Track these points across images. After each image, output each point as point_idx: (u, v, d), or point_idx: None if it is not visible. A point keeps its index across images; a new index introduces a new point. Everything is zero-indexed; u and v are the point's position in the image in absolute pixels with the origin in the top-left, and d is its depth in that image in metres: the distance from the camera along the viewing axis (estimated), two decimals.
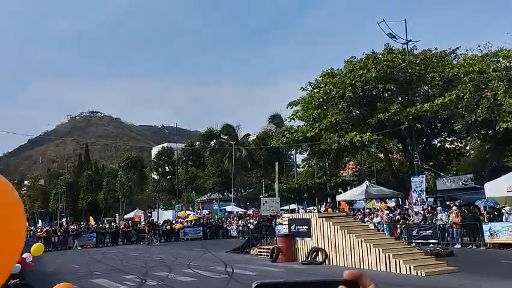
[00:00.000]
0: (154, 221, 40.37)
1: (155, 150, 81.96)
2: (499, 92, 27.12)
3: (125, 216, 56.48)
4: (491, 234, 19.89)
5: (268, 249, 19.48)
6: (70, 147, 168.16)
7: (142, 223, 39.29)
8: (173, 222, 39.24)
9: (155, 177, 70.98)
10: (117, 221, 48.88)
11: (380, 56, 32.24)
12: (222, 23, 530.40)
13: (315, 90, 35.02)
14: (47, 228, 37.15)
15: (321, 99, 33.10)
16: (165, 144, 76.02)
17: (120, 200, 66.87)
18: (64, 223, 46.29)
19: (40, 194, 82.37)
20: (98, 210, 70.95)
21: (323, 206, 40.30)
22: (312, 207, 43.62)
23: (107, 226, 39.20)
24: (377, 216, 26.96)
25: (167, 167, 68.04)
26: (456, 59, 33.64)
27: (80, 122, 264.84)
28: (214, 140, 59.66)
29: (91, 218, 45.92)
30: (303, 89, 35.74)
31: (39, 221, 53.46)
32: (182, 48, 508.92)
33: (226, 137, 57.31)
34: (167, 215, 46.93)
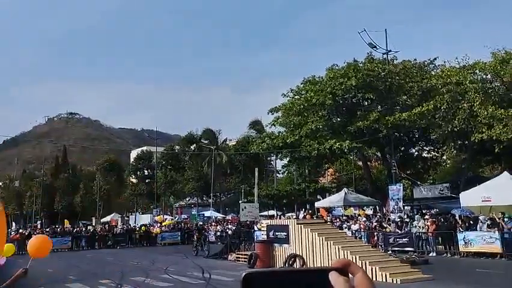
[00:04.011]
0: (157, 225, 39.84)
1: (134, 154, 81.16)
2: (475, 104, 27.73)
3: (102, 220, 55.74)
4: (465, 243, 20.22)
5: (246, 255, 19.45)
6: (47, 149, 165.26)
7: (119, 227, 38.81)
8: (151, 226, 38.87)
9: (134, 180, 70.28)
10: (93, 225, 48.18)
11: (361, 65, 32.67)
12: (206, 29, 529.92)
13: (296, 97, 35.23)
14: (21, 230, 36.39)
15: (301, 106, 33.30)
16: (144, 148, 75.42)
17: (97, 203, 65.96)
18: (39, 226, 45.44)
19: (14, 196, 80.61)
20: (75, 213, 69.74)
21: (302, 212, 40.46)
22: (291, 214, 43.74)
23: (83, 230, 38.62)
24: (355, 223, 27.17)
25: (146, 171, 67.46)
26: (434, 70, 34.28)
27: (58, 124, 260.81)
28: (195, 145, 59.45)
29: (67, 221, 45.17)
30: (285, 95, 35.94)
31: (13, 224, 52.33)
32: (165, 52, 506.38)
33: (206, 142, 57.17)
34: (145, 219, 46.49)
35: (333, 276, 0.73)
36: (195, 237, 26.70)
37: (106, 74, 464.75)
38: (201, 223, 38.82)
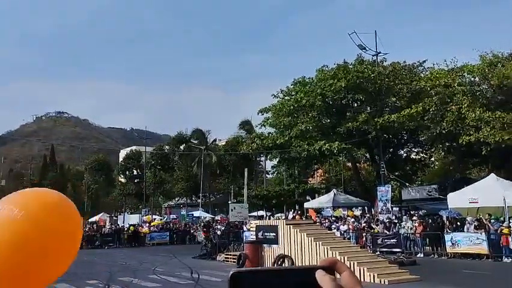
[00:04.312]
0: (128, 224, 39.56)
1: (123, 153, 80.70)
2: (463, 106, 28.02)
3: (90, 220, 55.30)
4: (452, 244, 20.41)
5: (235, 255, 19.43)
6: (35, 148, 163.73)
7: (107, 227, 38.54)
8: (139, 226, 38.65)
9: (123, 180, 69.87)
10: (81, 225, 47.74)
11: (351, 67, 32.84)
12: (196, 28, 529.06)
13: (286, 98, 35.32)
14: None
15: (291, 107, 33.39)
16: (134, 148, 75.04)
17: (85, 203, 65.45)
18: None
19: (1, 196, 79.69)
20: None
21: (291, 213, 40.53)
22: (280, 214, 43.79)
23: None
24: (344, 224, 27.29)
25: (135, 171, 67.10)
26: (423, 72, 34.58)
27: (47, 123, 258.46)
28: (184, 145, 59.28)
29: None
30: (275, 96, 36.02)
31: None
32: (156, 52, 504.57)
33: (196, 142, 57.03)
34: (133, 219, 46.18)
35: (319, 275, 0.74)
36: (202, 236, 24.23)
37: (95, 73, 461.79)
38: (209, 220, 36.87)
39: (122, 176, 70.33)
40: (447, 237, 20.71)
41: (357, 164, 41.20)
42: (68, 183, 74.90)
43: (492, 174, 24.97)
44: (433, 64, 34.21)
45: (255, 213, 42.69)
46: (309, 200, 40.66)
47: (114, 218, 53.37)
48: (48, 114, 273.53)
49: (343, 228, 26.50)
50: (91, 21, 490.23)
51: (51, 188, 1.82)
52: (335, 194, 34.71)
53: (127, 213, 56.48)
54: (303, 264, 16.37)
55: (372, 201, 31.37)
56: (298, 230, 16.95)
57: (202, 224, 31.34)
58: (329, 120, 34.18)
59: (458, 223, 21.44)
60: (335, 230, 25.09)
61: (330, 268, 0.75)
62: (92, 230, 36.70)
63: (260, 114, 36.61)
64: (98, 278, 16.06)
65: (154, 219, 43.91)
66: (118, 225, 40.84)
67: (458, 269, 16.81)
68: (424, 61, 35.24)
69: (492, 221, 20.06)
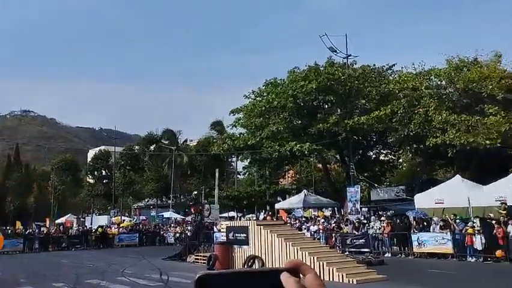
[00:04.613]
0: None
1: (91, 153, 79.22)
2: (430, 109, 28.70)
3: (57, 221, 54.10)
4: (419, 244, 20.85)
5: (205, 256, 19.32)
6: None
7: (74, 229, 37.75)
8: (108, 227, 38.00)
9: (91, 181, 68.56)
10: (47, 226, 46.63)
11: (322, 69, 33.18)
12: (167, 27, 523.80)
13: (258, 99, 35.40)
14: None
15: (263, 108, 33.49)
16: (102, 147, 73.74)
17: (52, 204, 63.93)
18: None
19: None
20: (28, 214, 67.31)
21: (262, 213, 40.64)
22: (251, 215, 43.85)
23: (36, 231, 37.30)
24: (314, 224, 27.54)
25: (104, 171, 65.95)
26: (392, 75, 35.23)
27: (11, 121, 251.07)
28: (154, 145, 58.66)
29: (18, 223, 43.50)
30: (246, 97, 36.07)
31: None
32: (126, 50, 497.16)
33: (166, 142, 56.52)
34: (102, 220, 45.40)
35: (284, 277, 0.74)
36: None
37: (63, 71, 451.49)
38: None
39: (90, 177, 69.00)
40: (414, 237, 21.14)
41: (328, 165, 41.66)
42: (34, 183, 72.91)
43: (457, 175, 25.64)
44: (402, 67, 34.95)
45: (226, 214, 42.62)
46: (280, 201, 40.86)
47: (82, 219, 52.34)
48: (13, 112, 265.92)
49: (313, 228, 26.73)
50: (61, 19, 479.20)
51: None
52: (305, 194, 35.01)
53: (95, 214, 55.47)
54: (274, 265, 16.43)
55: (342, 202, 31.76)
56: (268, 231, 17.01)
57: (192, 197, 28.52)
58: (300, 122, 34.42)
59: (425, 223, 21.92)
60: (305, 231, 25.30)
61: (295, 270, 0.76)
62: (58, 232, 35.87)
63: (232, 114, 36.61)
64: (65, 280, 15.70)
65: (124, 220, 43.30)
66: (86, 226, 40.07)
67: (424, 268, 17.19)
68: (393, 65, 35.94)
69: (457, 221, 20.59)
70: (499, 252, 17.90)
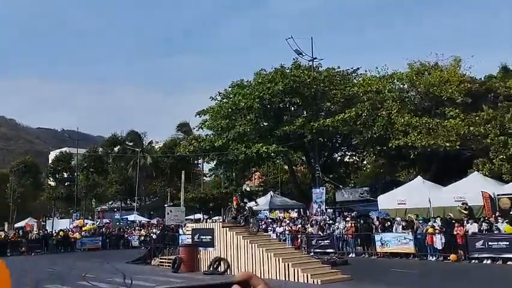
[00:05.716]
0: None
1: (53, 155, 77.05)
2: (392, 112, 29.36)
3: (16, 225, 52.37)
4: (382, 244, 21.24)
5: (170, 259, 19.10)
6: None
7: (34, 233, 36.60)
8: (70, 231, 37.05)
9: (52, 183, 66.64)
10: (6, 230, 45.05)
11: (288, 71, 33.39)
12: (132, 27, 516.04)
13: (224, 101, 35.28)
14: None
15: (229, 110, 33.41)
16: (64, 149, 71.75)
17: (10, 208, 61.80)
18: None
19: None
20: None
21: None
22: (217, 217, 43.63)
23: None
24: (280, 226, 27.66)
25: (65, 173, 64.21)
26: (356, 79, 35.82)
27: None
28: (119, 146, 57.58)
29: None
30: (213, 98, 35.87)
31: None
32: (88, 51, 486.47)
33: (131, 144, 55.57)
34: (63, 224, 44.29)
35: None
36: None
37: (23, 70, 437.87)
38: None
39: (51, 179, 67.06)
40: (377, 237, 21.53)
41: (294, 167, 41.93)
42: None
43: (419, 176, 26.30)
44: (366, 71, 35.60)
45: (192, 217, 42.24)
46: (246, 203, 40.75)
47: (42, 223, 50.92)
48: None
49: (279, 230, 26.85)
50: (22, 16, 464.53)
51: None
52: (271, 196, 35.15)
53: (57, 217, 54.05)
54: (239, 266, 16.40)
55: (308, 203, 32.04)
56: (234, 233, 16.98)
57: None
58: (266, 123, 34.51)
59: (389, 223, 22.35)
60: (271, 232, 25.38)
61: (246, 282, 0.76)
62: (17, 236, 34.71)
63: (198, 116, 36.35)
64: (23, 286, 15.16)
65: (86, 223, 42.31)
66: (47, 230, 38.97)
67: (387, 268, 17.53)
68: (358, 68, 36.54)
69: (420, 221, 21.09)
70: (453, 256, 18.46)
